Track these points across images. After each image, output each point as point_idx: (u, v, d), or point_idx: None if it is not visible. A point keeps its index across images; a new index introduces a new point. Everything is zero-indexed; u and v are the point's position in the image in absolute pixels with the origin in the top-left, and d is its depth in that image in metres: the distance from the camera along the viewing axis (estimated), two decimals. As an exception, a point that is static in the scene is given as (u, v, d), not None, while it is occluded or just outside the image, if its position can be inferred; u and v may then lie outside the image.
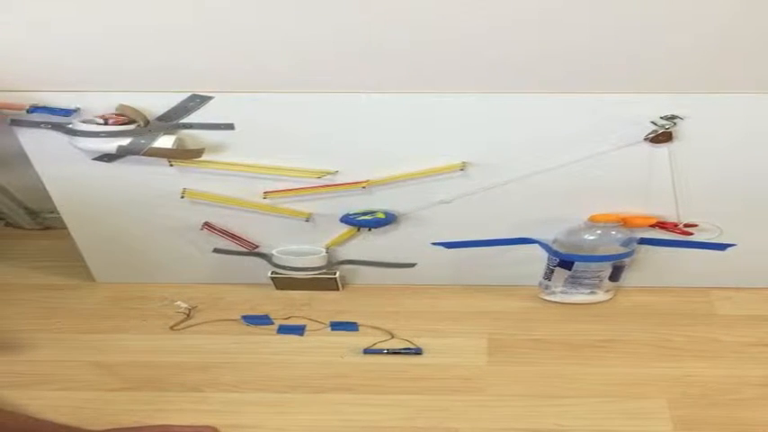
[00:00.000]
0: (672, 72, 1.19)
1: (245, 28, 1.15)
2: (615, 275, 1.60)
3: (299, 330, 1.66)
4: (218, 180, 1.45)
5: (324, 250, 1.63)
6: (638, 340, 1.59)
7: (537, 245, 1.56)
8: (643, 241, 1.54)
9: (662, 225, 1.48)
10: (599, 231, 1.49)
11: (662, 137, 1.28)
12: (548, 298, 1.68)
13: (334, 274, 1.68)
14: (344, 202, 1.50)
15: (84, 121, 1.33)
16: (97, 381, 1.56)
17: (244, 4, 1.10)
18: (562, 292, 1.66)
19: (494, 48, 1.16)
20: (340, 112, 1.31)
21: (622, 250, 1.52)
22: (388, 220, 1.52)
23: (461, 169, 1.39)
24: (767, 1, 1.05)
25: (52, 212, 1.76)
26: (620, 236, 1.50)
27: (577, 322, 1.64)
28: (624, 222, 1.47)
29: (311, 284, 1.71)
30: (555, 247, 1.53)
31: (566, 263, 1.55)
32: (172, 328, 1.67)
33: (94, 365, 1.59)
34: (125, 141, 1.34)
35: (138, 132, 1.34)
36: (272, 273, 1.68)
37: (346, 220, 1.53)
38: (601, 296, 1.67)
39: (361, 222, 1.53)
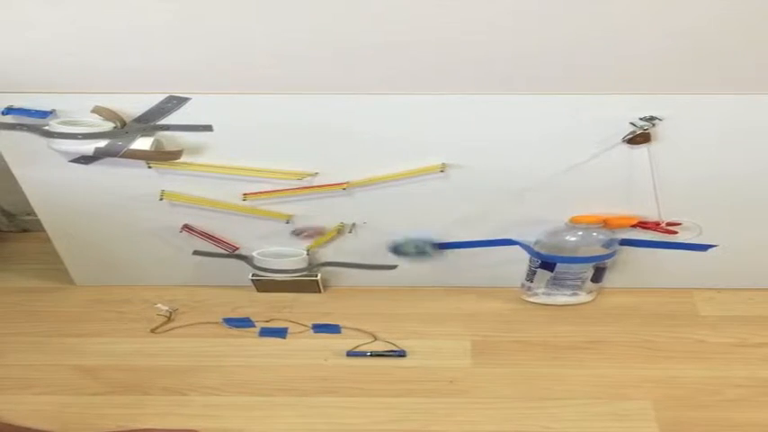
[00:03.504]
0: (650, 73, 1.19)
1: (222, 30, 1.14)
2: (597, 277, 1.60)
3: (281, 333, 1.65)
4: (197, 182, 1.44)
5: (305, 252, 1.62)
6: (622, 342, 1.60)
7: (518, 246, 1.55)
8: (624, 242, 1.54)
9: (643, 225, 1.48)
10: (580, 233, 1.49)
11: (640, 138, 1.28)
12: (530, 299, 1.68)
13: (316, 276, 1.67)
14: (325, 204, 1.49)
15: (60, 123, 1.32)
16: (79, 385, 1.55)
17: (220, 7, 1.09)
18: (544, 294, 1.66)
19: (473, 49, 1.15)
20: (319, 114, 1.31)
21: (604, 251, 1.52)
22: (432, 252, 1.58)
23: (442, 171, 1.38)
24: (742, 5, 1.05)
25: (29, 215, 1.74)
26: (601, 237, 1.50)
27: (561, 324, 1.64)
28: (605, 223, 1.47)
29: (293, 287, 1.70)
30: (536, 249, 1.53)
31: (548, 264, 1.55)
32: (153, 330, 1.66)
33: (76, 369, 1.58)
34: (102, 143, 1.33)
35: (116, 134, 1.33)
36: (253, 275, 1.67)
37: (394, 250, 1.60)
38: (583, 297, 1.67)
39: (408, 256, 1.60)
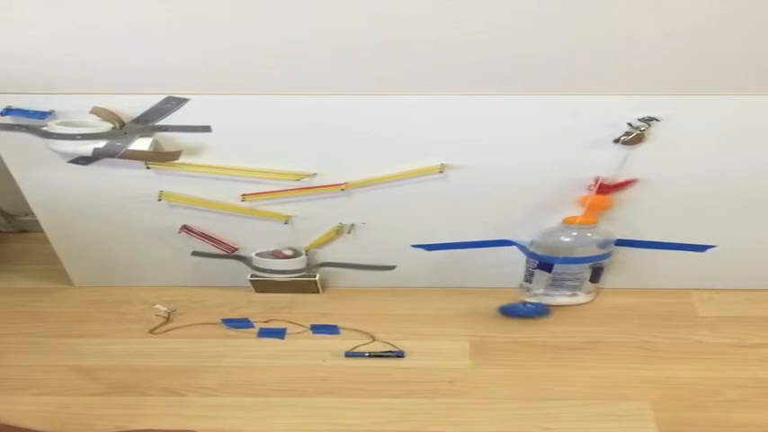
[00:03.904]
0: (650, 73, 1.19)
1: (222, 30, 1.14)
2: (595, 277, 1.61)
3: (279, 333, 1.65)
4: (195, 183, 1.44)
5: (303, 252, 1.62)
6: (620, 342, 1.59)
7: (515, 246, 1.55)
8: (620, 243, 1.53)
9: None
10: (574, 233, 1.49)
11: (635, 139, 1.28)
12: (529, 300, 1.67)
13: (314, 276, 1.67)
14: (324, 205, 1.49)
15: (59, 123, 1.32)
16: (77, 385, 1.55)
17: (220, 7, 1.09)
18: (544, 295, 1.65)
19: (473, 49, 1.15)
20: (319, 114, 1.31)
21: (600, 252, 1.52)
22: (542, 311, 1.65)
23: (440, 171, 1.38)
24: (742, 5, 1.05)
25: (28, 215, 1.74)
26: (596, 237, 1.50)
27: (559, 324, 1.64)
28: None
29: (291, 287, 1.70)
30: (532, 249, 1.53)
31: (546, 265, 1.55)
32: (151, 331, 1.66)
33: (74, 370, 1.58)
34: (101, 144, 1.33)
35: (114, 135, 1.32)
36: (252, 275, 1.67)
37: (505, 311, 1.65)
38: (582, 298, 1.67)
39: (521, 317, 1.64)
